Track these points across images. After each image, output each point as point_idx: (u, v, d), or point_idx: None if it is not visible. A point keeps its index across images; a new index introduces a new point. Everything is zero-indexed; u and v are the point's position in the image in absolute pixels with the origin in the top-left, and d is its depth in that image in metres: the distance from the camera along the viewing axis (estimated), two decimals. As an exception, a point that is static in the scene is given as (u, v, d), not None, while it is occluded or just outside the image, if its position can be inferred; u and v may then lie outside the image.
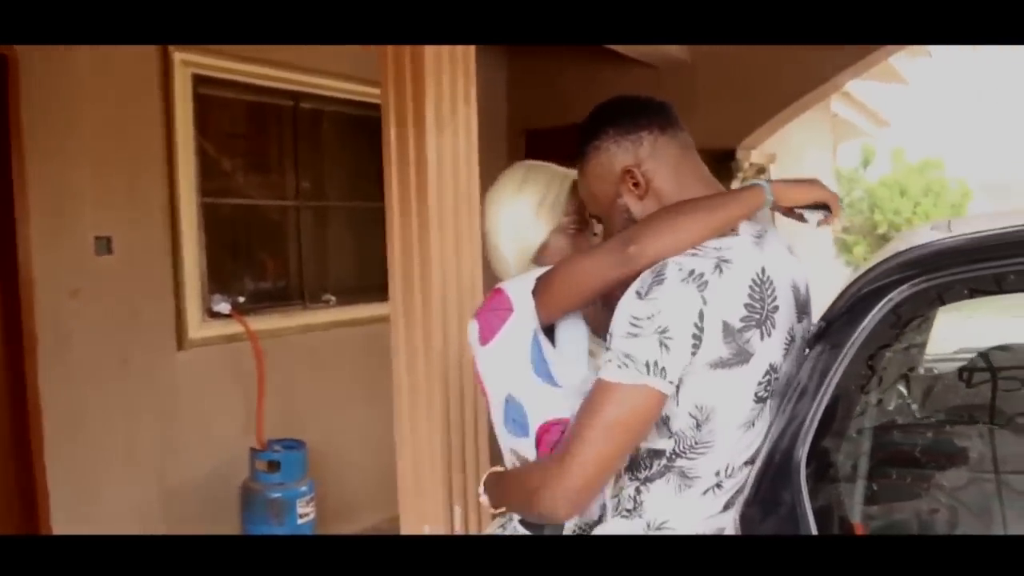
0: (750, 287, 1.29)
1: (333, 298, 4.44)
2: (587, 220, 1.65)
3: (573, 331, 1.56)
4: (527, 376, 1.48)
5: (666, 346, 1.23)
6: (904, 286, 1.29)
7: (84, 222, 3.38)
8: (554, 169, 1.67)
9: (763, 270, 1.32)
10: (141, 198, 3.58)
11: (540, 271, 1.53)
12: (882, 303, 1.29)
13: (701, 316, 1.24)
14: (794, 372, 1.37)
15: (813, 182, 1.44)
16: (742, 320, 1.27)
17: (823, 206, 1.41)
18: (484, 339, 1.53)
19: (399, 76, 2.76)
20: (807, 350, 1.38)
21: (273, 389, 3.89)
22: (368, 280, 4.44)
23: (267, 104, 4.18)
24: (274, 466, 3.71)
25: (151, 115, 3.60)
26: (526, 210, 1.62)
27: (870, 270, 1.36)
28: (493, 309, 1.52)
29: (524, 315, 1.49)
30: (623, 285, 1.33)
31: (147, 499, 3.59)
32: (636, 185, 1.42)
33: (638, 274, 1.31)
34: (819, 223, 1.42)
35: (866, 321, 1.29)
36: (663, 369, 1.23)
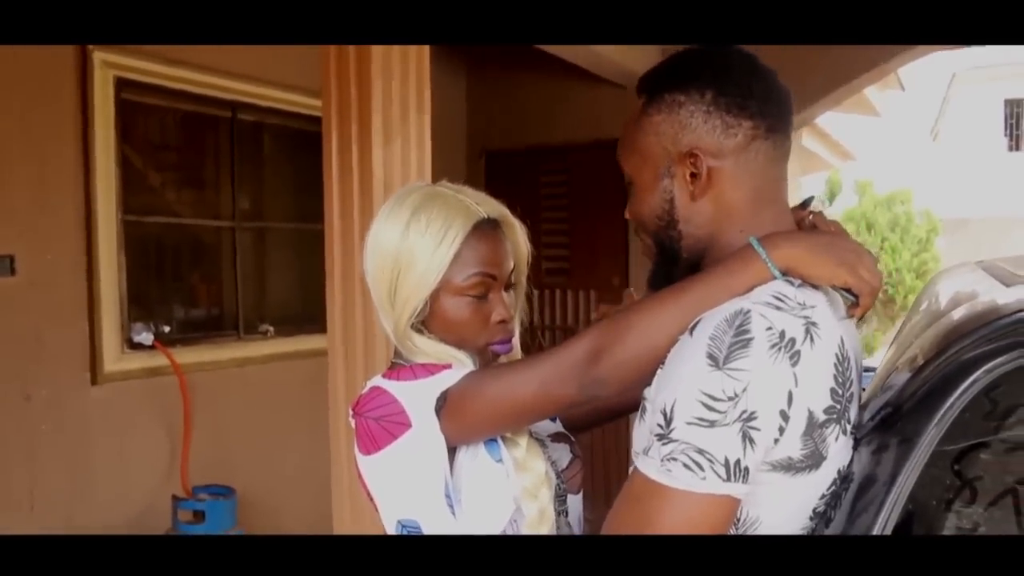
0: (835, 365, 0.94)
1: (271, 329, 4.08)
2: (500, 282, 1.20)
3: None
4: (434, 503, 1.12)
5: (751, 439, 0.88)
6: (1000, 359, 0.92)
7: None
8: (461, 202, 1.19)
9: (843, 342, 0.96)
10: (51, 212, 3.19)
11: (442, 378, 1.13)
12: (968, 383, 0.92)
13: (790, 400, 0.89)
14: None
15: (844, 251, 0.97)
16: (825, 411, 0.92)
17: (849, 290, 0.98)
18: (366, 449, 1.15)
19: (342, 76, 2.46)
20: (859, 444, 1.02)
21: (201, 429, 3.54)
22: (311, 310, 4.06)
23: (202, 114, 3.82)
24: (199, 516, 3.37)
25: (65, 119, 3.22)
26: (412, 251, 1.16)
27: (961, 338, 0.99)
28: (380, 419, 1.13)
29: (426, 436, 1.11)
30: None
31: (51, 554, 3.17)
32: (694, 177, 1.04)
33: (603, 397, 0.99)
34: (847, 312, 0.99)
35: (946, 407, 0.92)
36: (745, 470, 0.88)
